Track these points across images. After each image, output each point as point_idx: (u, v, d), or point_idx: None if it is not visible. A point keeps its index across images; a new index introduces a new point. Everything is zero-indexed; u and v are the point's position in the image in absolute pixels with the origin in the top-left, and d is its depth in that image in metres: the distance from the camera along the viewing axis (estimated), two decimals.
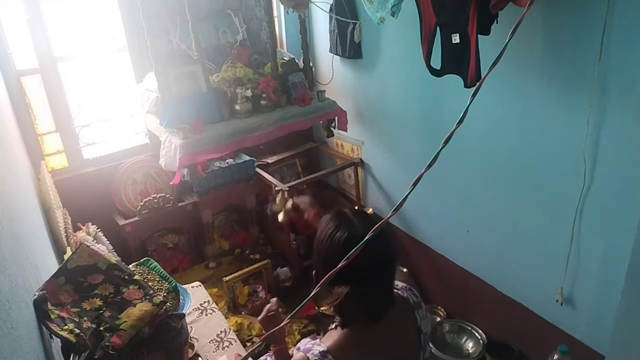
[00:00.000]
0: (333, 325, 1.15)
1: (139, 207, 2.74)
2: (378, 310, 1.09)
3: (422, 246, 2.81)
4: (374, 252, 0.99)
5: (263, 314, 1.37)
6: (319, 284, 0.93)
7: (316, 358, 1.06)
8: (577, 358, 1.95)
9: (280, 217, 1.68)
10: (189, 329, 1.79)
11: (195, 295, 2.13)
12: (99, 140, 2.87)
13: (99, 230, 2.33)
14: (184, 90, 2.41)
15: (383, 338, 1.10)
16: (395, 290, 1.17)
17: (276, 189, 2.81)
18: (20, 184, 1.71)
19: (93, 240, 2.00)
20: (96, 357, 1.13)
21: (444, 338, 2.50)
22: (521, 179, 2.07)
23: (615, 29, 1.56)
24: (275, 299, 1.43)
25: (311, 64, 2.90)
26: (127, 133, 2.97)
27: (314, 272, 1.16)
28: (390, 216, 0.96)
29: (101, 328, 1.19)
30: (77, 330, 1.13)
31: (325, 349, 1.07)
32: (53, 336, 1.12)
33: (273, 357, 1.31)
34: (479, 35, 1.73)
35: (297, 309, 0.97)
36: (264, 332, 1.42)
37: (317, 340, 1.12)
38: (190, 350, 1.77)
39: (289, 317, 1.01)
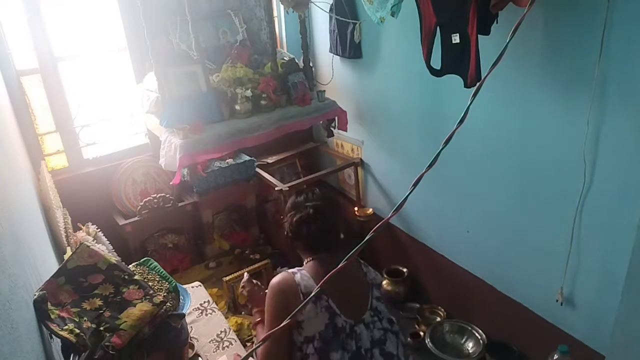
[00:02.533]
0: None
1: (139, 207, 2.74)
2: (318, 247, 1.54)
3: (422, 246, 2.81)
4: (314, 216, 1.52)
5: (239, 289, 1.82)
6: (316, 287, 1.04)
7: (294, 270, 1.51)
8: (577, 358, 1.95)
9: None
10: (189, 329, 1.79)
11: (195, 295, 2.13)
12: (99, 140, 2.87)
13: (99, 230, 2.33)
14: (184, 90, 2.41)
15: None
16: None
17: (276, 189, 2.81)
18: (20, 184, 1.71)
19: (93, 240, 2.01)
20: (96, 357, 1.13)
21: (444, 338, 2.50)
22: (521, 179, 2.07)
23: (615, 29, 1.56)
24: (245, 275, 1.84)
25: (311, 64, 2.90)
26: (127, 133, 2.97)
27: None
28: (391, 216, 0.97)
29: (101, 328, 1.19)
30: (77, 330, 1.13)
31: (296, 269, 1.52)
32: (53, 336, 1.12)
33: (258, 317, 1.66)
34: (479, 35, 1.73)
35: (296, 309, 0.98)
36: (249, 304, 1.83)
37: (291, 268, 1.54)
38: (190, 350, 1.77)
39: (289, 317, 1.02)
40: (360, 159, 3.13)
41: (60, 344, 1.16)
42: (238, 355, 1.78)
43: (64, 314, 1.17)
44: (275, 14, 3.16)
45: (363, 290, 1.56)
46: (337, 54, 2.95)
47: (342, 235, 1.59)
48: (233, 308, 2.77)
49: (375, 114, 2.89)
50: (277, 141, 2.84)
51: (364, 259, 1.72)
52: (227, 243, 3.10)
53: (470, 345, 2.44)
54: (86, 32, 2.68)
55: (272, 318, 1.42)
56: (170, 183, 2.65)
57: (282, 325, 1.06)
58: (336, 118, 2.83)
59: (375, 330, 1.51)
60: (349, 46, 2.81)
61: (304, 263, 1.58)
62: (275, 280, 1.48)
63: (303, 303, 1.10)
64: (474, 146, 2.23)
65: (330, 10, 2.79)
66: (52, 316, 1.13)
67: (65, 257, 1.53)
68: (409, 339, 2.52)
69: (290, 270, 1.51)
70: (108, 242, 2.31)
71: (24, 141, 2.54)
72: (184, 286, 1.64)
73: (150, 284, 1.39)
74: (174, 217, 2.88)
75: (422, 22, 1.93)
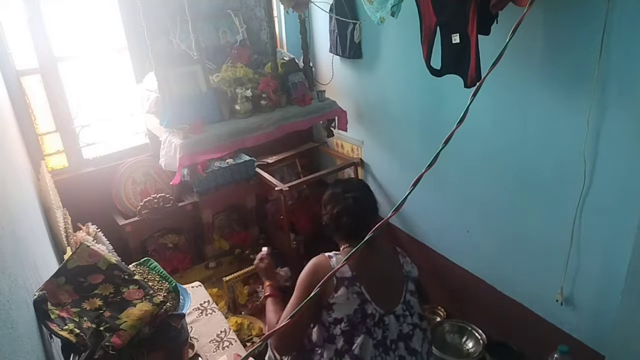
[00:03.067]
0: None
1: (139, 207, 2.74)
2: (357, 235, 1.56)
3: (422, 246, 2.81)
4: (357, 204, 1.62)
5: (256, 261, 1.88)
6: (322, 280, 1.07)
7: (331, 254, 1.56)
8: (577, 358, 1.95)
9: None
10: (189, 329, 1.79)
11: (195, 295, 2.13)
12: (99, 140, 2.87)
13: (99, 230, 2.32)
14: (184, 90, 2.41)
15: (374, 256, 1.56)
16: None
17: (276, 189, 2.81)
18: (20, 184, 1.71)
19: (93, 240, 2.00)
20: (96, 357, 1.13)
21: (444, 338, 2.50)
22: (521, 179, 2.07)
23: (615, 29, 1.56)
24: (266, 248, 1.91)
25: (311, 64, 2.90)
26: (127, 133, 2.97)
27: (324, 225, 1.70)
28: (391, 216, 0.97)
29: (101, 328, 1.19)
30: (77, 330, 1.13)
31: (333, 253, 1.57)
32: (53, 336, 1.12)
33: (269, 291, 1.75)
34: (479, 35, 1.73)
35: (298, 307, 0.98)
36: (261, 276, 1.89)
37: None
38: (190, 350, 1.77)
39: (290, 316, 1.02)
40: (360, 159, 3.13)
41: (60, 344, 1.16)
42: (238, 355, 1.78)
43: (64, 314, 1.16)
44: (275, 14, 3.16)
45: (398, 282, 1.59)
46: (337, 54, 2.95)
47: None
48: (233, 308, 2.76)
49: (375, 114, 2.89)
50: (277, 141, 2.84)
51: None
52: (227, 243, 3.10)
53: (470, 345, 2.44)
54: (86, 32, 2.68)
55: (302, 293, 1.52)
56: (170, 183, 2.64)
57: (282, 325, 1.07)
58: (336, 118, 2.83)
59: (404, 325, 1.54)
60: (349, 46, 2.81)
61: (341, 249, 1.64)
62: (312, 260, 1.57)
63: (306, 301, 1.10)
64: (474, 146, 2.23)
65: (330, 10, 2.79)
66: (52, 316, 1.13)
67: (65, 257, 1.53)
68: None
69: (327, 254, 1.57)
70: (108, 242, 2.30)
71: (24, 141, 2.54)
72: (184, 286, 1.64)
73: (150, 284, 1.39)
74: (174, 217, 2.88)
75: (422, 22, 1.93)
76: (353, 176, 3.17)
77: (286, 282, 3.00)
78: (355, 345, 1.46)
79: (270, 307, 1.70)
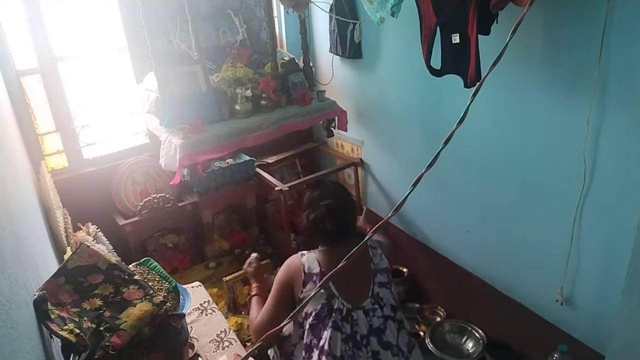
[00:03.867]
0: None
1: (139, 207, 2.74)
2: (331, 239, 1.63)
3: (422, 246, 2.81)
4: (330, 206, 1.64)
5: (245, 265, 1.96)
6: (319, 284, 1.04)
7: (304, 252, 1.64)
8: (577, 358, 1.95)
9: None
10: (189, 329, 1.79)
11: (195, 295, 2.13)
12: (99, 140, 2.87)
13: (99, 230, 2.33)
14: (184, 90, 2.41)
15: (341, 252, 1.48)
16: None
17: (276, 189, 2.81)
18: (20, 184, 1.71)
19: (93, 240, 2.01)
20: (96, 357, 1.13)
21: (444, 338, 2.50)
22: (521, 179, 2.07)
23: (615, 29, 1.56)
24: (254, 254, 1.98)
25: (311, 64, 2.90)
26: (127, 133, 2.97)
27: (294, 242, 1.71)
28: (390, 216, 0.97)
29: (101, 328, 1.19)
30: (77, 330, 1.13)
31: (306, 251, 1.64)
32: (53, 336, 1.12)
33: (255, 291, 1.82)
34: (479, 35, 1.73)
35: (297, 309, 0.98)
36: (249, 278, 1.97)
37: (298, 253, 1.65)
38: (190, 350, 1.77)
39: (289, 317, 1.02)
40: (360, 159, 3.13)
41: (60, 344, 1.16)
42: (238, 355, 1.78)
43: (64, 314, 1.17)
44: (275, 14, 3.16)
45: (366, 276, 1.61)
46: (337, 54, 2.95)
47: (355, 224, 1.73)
48: (233, 308, 2.76)
49: (375, 114, 2.89)
50: (277, 141, 2.84)
51: None
52: (227, 243, 3.10)
53: (470, 345, 2.44)
54: (86, 32, 2.68)
55: (275, 290, 1.63)
56: (170, 183, 2.64)
57: (282, 326, 1.06)
58: (336, 118, 2.83)
59: (374, 319, 1.56)
60: (349, 46, 2.81)
61: (318, 248, 1.69)
62: (288, 259, 1.67)
63: (306, 301, 1.10)
64: (474, 146, 2.23)
65: (330, 10, 2.79)
66: (52, 316, 1.13)
67: (65, 257, 1.53)
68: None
69: (301, 252, 1.66)
70: (108, 242, 2.30)
71: (24, 141, 2.54)
72: (184, 286, 1.64)
73: (150, 284, 1.39)
74: (174, 217, 2.88)
75: (422, 22, 1.93)
76: (353, 176, 3.17)
77: None
78: (324, 339, 1.49)
79: (253, 305, 1.78)
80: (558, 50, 1.77)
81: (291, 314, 1.03)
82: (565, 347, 1.92)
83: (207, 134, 2.37)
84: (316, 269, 1.58)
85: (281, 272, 1.65)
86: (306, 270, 1.58)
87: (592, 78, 1.65)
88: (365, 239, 1.00)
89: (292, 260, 1.65)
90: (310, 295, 1.04)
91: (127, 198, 2.82)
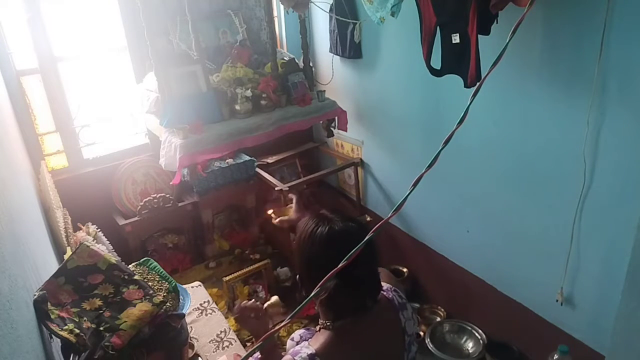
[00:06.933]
0: (318, 328, 1.17)
1: (139, 207, 2.74)
2: (363, 301, 1.13)
3: (422, 246, 2.81)
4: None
5: (236, 309, 1.38)
6: (320, 283, 0.95)
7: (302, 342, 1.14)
8: (577, 358, 1.95)
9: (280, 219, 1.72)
10: (189, 329, 1.79)
11: (195, 295, 2.13)
12: (99, 140, 2.87)
13: (99, 230, 2.32)
14: (184, 90, 2.41)
15: (367, 336, 1.13)
16: (381, 292, 1.20)
17: (276, 189, 2.81)
18: (20, 184, 1.71)
19: (93, 240, 2.00)
20: (96, 357, 1.13)
21: (444, 338, 2.50)
22: (521, 178, 2.07)
23: (615, 28, 1.56)
24: (239, 302, 1.45)
25: (311, 64, 2.90)
26: (127, 133, 2.97)
27: (297, 276, 1.19)
28: (390, 216, 0.96)
29: (101, 328, 1.19)
30: (77, 330, 1.13)
31: (313, 351, 1.08)
32: (53, 336, 1.12)
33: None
34: (479, 35, 1.73)
35: (296, 309, 0.97)
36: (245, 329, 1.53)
37: (306, 343, 1.14)
38: (190, 350, 1.77)
39: (288, 317, 1.01)
40: (360, 159, 3.13)
41: (60, 344, 1.16)
42: (238, 355, 1.78)
43: (64, 314, 1.17)
44: (275, 14, 3.16)
45: (396, 347, 1.19)
46: (337, 54, 2.95)
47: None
48: (233, 308, 2.76)
49: (375, 114, 2.89)
50: (277, 141, 2.83)
51: None
52: (227, 243, 3.10)
53: (470, 345, 2.44)
54: (86, 32, 2.68)
55: None
56: (170, 183, 2.64)
57: (281, 326, 1.05)
58: (336, 118, 2.83)
59: None
60: (349, 46, 2.81)
61: (318, 330, 1.18)
62: None
63: (312, 295, 0.94)
64: (474, 146, 2.23)
65: (330, 10, 2.79)
66: (52, 316, 1.13)
67: (65, 257, 1.52)
68: None
69: (299, 357, 1.08)
70: (108, 242, 2.30)
71: (24, 141, 2.54)
72: (184, 286, 1.64)
73: (150, 284, 1.39)
74: (174, 217, 2.88)
75: (422, 22, 1.93)
76: (353, 176, 3.16)
77: (285, 282, 3.01)
78: None
79: None
80: (558, 50, 1.77)
81: (291, 314, 1.01)
82: (565, 347, 1.92)
83: (207, 134, 2.37)
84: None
85: None
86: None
87: (592, 78, 1.65)
88: (365, 239, 0.96)
89: None
90: (310, 295, 1.01)
91: (127, 198, 2.82)
